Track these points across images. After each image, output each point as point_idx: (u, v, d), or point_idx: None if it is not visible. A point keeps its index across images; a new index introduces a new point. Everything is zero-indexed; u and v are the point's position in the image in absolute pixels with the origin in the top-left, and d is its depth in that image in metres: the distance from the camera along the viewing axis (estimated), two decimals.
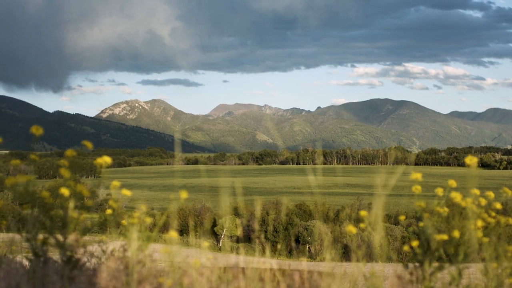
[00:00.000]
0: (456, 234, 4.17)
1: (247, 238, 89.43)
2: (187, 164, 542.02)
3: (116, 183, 4.47)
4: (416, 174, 4.53)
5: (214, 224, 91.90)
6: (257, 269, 4.15)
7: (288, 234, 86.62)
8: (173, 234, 4.15)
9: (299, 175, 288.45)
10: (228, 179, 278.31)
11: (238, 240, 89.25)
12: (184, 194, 4.43)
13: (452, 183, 4.59)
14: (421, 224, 4.37)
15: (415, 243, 4.27)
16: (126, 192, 4.57)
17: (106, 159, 4.37)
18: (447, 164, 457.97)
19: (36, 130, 4.21)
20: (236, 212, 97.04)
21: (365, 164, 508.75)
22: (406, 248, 4.59)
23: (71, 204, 4.15)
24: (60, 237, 3.92)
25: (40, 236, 3.89)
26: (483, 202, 4.39)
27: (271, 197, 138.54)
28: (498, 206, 4.41)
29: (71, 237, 3.95)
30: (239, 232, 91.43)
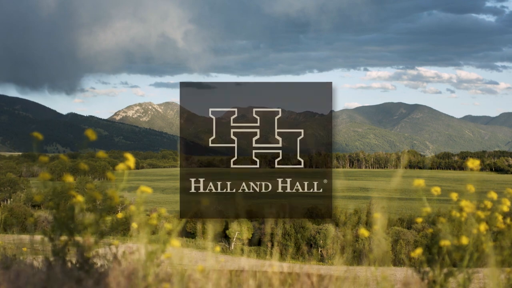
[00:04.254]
0: (464, 239, 4.16)
1: (259, 241, 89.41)
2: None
3: (146, 189, 4.47)
4: (419, 180, 4.51)
5: (226, 227, 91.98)
6: (267, 272, 4.15)
7: (300, 237, 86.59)
8: (175, 243, 4.09)
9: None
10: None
11: (250, 243, 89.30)
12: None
13: (471, 187, 4.58)
14: (430, 230, 4.37)
15: (421, 249, 4.26)
16: (147, 189, 4.56)
17: (130, 164, 4.36)
18: (461, 168, 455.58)
19: (92, 135, 4.20)
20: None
21: (378, 167, 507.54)
22: (413, 254, 4.58)
23: (88, 207, 4.16)
24: (79, 239, 3.93)
25: (63, 238, 3.89)
26: (489, 205, 4.37)
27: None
28: (506, 208, 4.38)
29: (89, 239, 3.96)
30: (251, 235, 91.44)
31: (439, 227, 4.32)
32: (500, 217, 4.33)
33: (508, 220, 4.38)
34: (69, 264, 3.93)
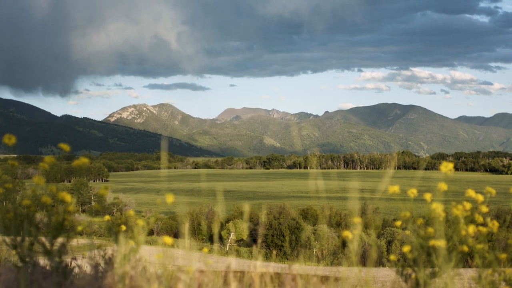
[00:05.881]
0: (442, 241, 4.16)
1: (254, 242, 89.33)
2: (195, 168, 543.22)
3: (104, 191, 4.49)
4: (394, 187, 4.52)
5: (221, 228, 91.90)
6: (254, 273, 4.17)
7: (294, 238, 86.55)
8: (167, 239, 4.09)
9: (306, 180, 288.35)
10: (235, 184, 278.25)
11: (245, 244, 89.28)
12: (170, 198, 4.38)
13: (443, 186, 4.56)
14: (407, 232, 4.39)
15: (406, 249, 4.28)
16: (105, 192, 4.60)
17: (84, 160, 4.38)
18: (455, 169, 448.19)
19: (9, 140, 4.17)
20: (243, 216, 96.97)
21: (372, 168, 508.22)
22: (392, 257, 4.59)
23: (57, 209, 4.16)
24: (47, 243, 3.88)
25: (26, 242, 3.86)
26: (468, 206, 4.36)
27: (278, 201, 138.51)
28: (485, 209, 4.36)
29: (59, 242, 3.93)
30: (245, 236, 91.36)
31: (421, 229, 4.34)
32: (480, 218, 4.32)
33: (488, 221, 4.38)
34: (40, 269, 3.88)
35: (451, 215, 4.36)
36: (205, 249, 4.77)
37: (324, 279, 4.93)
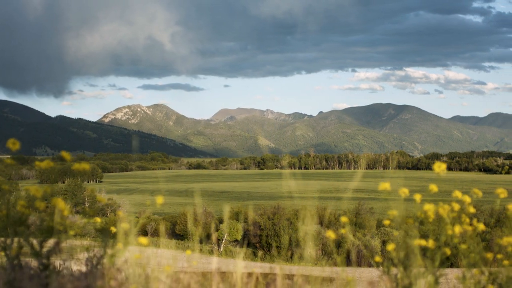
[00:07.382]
0: (431, 241, 4.18)
1: (248, 243, 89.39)
2: (189, 168, 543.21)
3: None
4: (385, 184, 4.53)
5: (216, 229, 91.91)
6: (239, 273, 4.18)
7: (288, 238, 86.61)
8: (143, 240, 4.08)
9: (301, 180, 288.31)
10: (230, 184, 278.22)
11: (240, 245, 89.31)
12: (160, 200, 4.40)
13: (433, 187, 4.57)
14: (396, 233, 4.42)
15: (391, 247, 4.30)
16: (102, 199, 4.59)
17: (85, 166, 4.36)
18: (449, 169, 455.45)
19: (13, 145, 4.16)
20: (237, 217, 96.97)
21: (366, 168, 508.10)
22: (377, 259, 4.61)
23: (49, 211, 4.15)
24: (36, 245, 3.88)
25: (15, 244, 3.85)
26: (457, 207, 4.38)
27: (273, 201, 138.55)
28: (472, 210, 4.38)
29: (48, 244, 3.93)
30: (240, 236, 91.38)
31: (408, 228, 4.37)
32: (466, 219, 4.34)
33: (474, 221, 4.40)
34: (27, 270, 3.88)
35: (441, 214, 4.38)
36: (188, 251, 4.78)
37: (312, 279, 4.94)
